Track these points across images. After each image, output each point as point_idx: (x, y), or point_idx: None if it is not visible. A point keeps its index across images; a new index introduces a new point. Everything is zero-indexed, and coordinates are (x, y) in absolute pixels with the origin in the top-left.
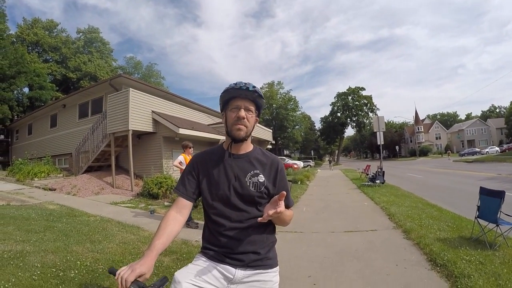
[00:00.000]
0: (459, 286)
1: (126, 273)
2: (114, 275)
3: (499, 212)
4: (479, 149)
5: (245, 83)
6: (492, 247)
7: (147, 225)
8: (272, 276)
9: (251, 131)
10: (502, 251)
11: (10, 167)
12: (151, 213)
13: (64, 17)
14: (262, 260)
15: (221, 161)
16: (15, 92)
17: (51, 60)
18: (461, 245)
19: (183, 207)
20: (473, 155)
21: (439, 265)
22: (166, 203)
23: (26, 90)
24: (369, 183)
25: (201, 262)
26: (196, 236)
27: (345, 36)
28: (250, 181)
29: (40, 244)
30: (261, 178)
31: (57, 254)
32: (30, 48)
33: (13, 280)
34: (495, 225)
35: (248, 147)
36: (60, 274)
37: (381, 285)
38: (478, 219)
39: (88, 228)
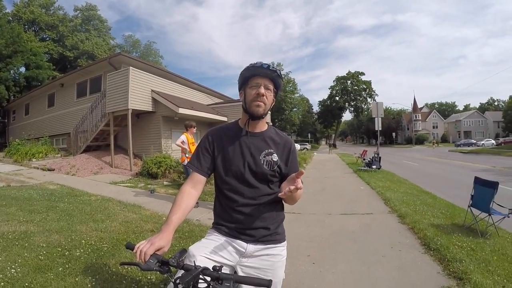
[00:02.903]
0: (451, 269)
1: (145, 246)
2: (132, 249)
3: (491, 202)
4: (475, 141)
5: (266, 63)
6: (484, 236)
7: (147, 204)
8: (280, 250)
9: (269, 110)
10: (492, 240)
11: (7, 148)
12: (151, 192)
13: None
14: (272, 235)
15: (237, 138)
16: (11, 72)
17: (48, 38)
18: (454, 231)
19: (197, 182)
20: (468, 146)
21: (432, 249)
22: (165, 183)
23: (22, 69)
24: (366, 168)
25: (214, 237)
26: (197, 215)
27: (348, 20)
28: (264, 159)
29: (44, 224)
30: (275, 157)
31: (62, 233)
32: (26, 26)
33: (20, 260)
34: (487, 214)
35: (263, 125)
36: (66, 253)
37: (376, 266)
38: (471, 207)
39: (90, 207)
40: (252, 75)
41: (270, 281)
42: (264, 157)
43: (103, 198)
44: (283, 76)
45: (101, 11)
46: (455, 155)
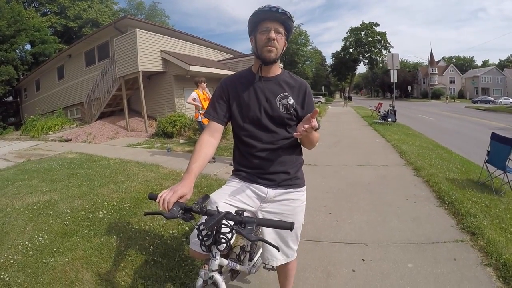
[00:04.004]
0: (465, 223)
1: (168, 195)
2: (155, 199)
3: (508, 159)
4: (492, 98)
5: (274, 5)
6: (498, 193)
7: (165, 162)
8: (300, 195)
9: (281, 53)
10: (507, 198)
11: (23, 126)
12: (168, 151)
13: None
14: (292, 179)
15: (251, 84)
16: (17, 51)
17: (49, 12)
18: (468, 186)
19: (215, 131)
20: (486, 103)
21: (447, 202)
22: (181, 141)
23: (28, 47)
24: (381, 121)
25: (234, 183)
26: (214, 170)
27: None
28: (280, 103)
29: (66, 191)
30: (290, 100)
31: (84, 198)
32: (26, 3)
33: (46, 228)
34: (502, 172)
35: (277, 70)
36: (90, 216)
37: (391, 217)
38: (486, 164)
39: (109, 171)
40: (261, 19)
41: (293, 223)
42: (280, 100)
43: (121, 160)
44: (294, 28)
45: None
46: (472, 111)
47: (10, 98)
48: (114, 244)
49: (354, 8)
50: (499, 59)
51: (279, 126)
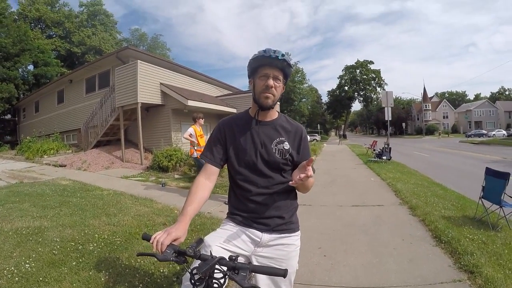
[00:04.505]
0: (462, 262)
1: (162, 237)
2: (148, 240)
3: (503, 194)
4: (485, 131)
5: (275, 51)
6: (495, 228)
7: (159, 197)
8: (295, 239)
9: (278, 99)
10: (504, 232)
11: (19, 146)
12: (162, 185)
13: None
14: (287, 224)
15: (248, 127)
16: (20, 70)
17: (54, 35)
18: (465, 224)
19: (211, 174)
20: (479, 137)
21: (443, 241)
22: (176, 176)
23: (31, 67)
24: (376, 159)
25: (229, 227)
26: (208, 208)
27: (356, 8)
28: (276, 148)
29: (57, 219)
30: (286, 145)
31: (75, 228)
32: (32, 24)
33: (34, 255)
34: (498, 206)
35: (273, 114)
36: (79, 248)
37: (387, 258)
38: (482, 199)
39: (102, 202)
40: (260, 65)
41: (286, 270)
42: (276, 145)
43: (115, 192)
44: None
45: (106, 5)
46: (466, 146)
47: (9, 116)
48: (102, 279)
49: (349, 46)
50: (491, 92)
51: (274, 171)
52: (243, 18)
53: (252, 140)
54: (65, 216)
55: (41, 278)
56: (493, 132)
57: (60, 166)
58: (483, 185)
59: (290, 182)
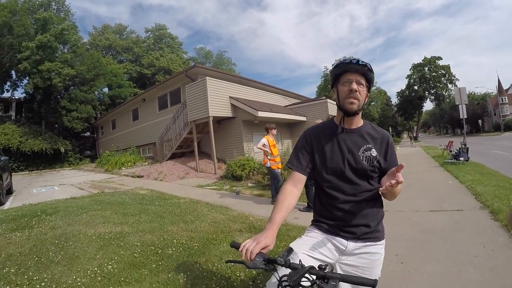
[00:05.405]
0: None
1: (251, 245)
2: (237, 248)
3: None
4: None
5: (355, 58)
6: None
7: (234, 205)
8: (379, 248)
9: (363, 105)
10: None
11: (98, 159)
12: (236, 193)
13: (132, 19)
14: (372, 232)
15: (334, 135)
16: (96, 92)
17: (125, 60)
18: None
19: (298, 181)
20: None
21: None
22: (250, 184)
23: (106, 90)
24: (453, 161)
25: (314, 234)
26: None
27: (415, 3)
28: (363, 155)
29: (137, 225)
30: (374, 152)
31: (154, 233)
32: (104, 52)
33: (116, 258)
34: None
35: (359, 121)
36: (159, 251)
37: (468, 266)
38: None
39: (179, 209)
40: (342, 71)
41: (376, 280)
42: (363, 152)
43: (191, 200)
44: None
45: (170, 29)
46: None
47: (88, 133)
48: (180, 281)
49: (415, 43)
50: None
51: (361, 178)
52: (303, 27)
53: (339, 148)
54: (145, 223)
55: (122, 278)
56: None
57: (138, 176)
58: None
59: (380, 189)
